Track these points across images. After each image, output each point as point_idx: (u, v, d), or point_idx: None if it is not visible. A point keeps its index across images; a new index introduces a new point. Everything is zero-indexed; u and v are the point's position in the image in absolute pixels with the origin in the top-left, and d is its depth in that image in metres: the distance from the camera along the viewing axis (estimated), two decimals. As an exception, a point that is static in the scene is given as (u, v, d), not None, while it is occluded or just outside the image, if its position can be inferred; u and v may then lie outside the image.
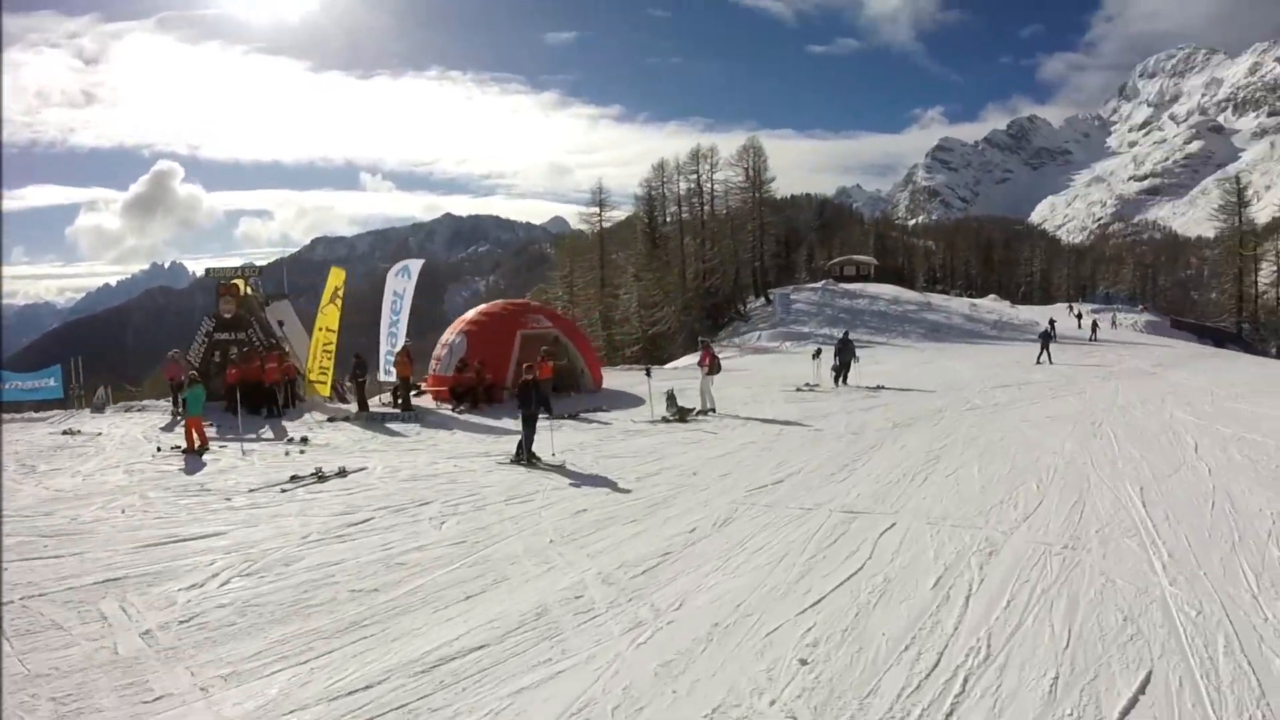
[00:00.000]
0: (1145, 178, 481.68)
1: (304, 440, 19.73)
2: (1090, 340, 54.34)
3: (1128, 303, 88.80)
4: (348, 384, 26.48)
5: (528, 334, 27.89)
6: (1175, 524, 10.32)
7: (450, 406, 25.37)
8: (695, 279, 76.66)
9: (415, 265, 28.36)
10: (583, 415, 22.91)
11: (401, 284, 27.87)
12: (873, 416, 21.01)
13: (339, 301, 26.97)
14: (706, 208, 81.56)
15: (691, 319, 72.03)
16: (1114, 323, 64.46)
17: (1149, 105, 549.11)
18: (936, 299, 75.61)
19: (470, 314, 30.18)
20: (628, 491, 13.38)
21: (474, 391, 25.66)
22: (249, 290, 28.25)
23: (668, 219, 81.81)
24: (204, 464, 16.75)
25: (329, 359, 26.13)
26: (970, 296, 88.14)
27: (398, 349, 25.86)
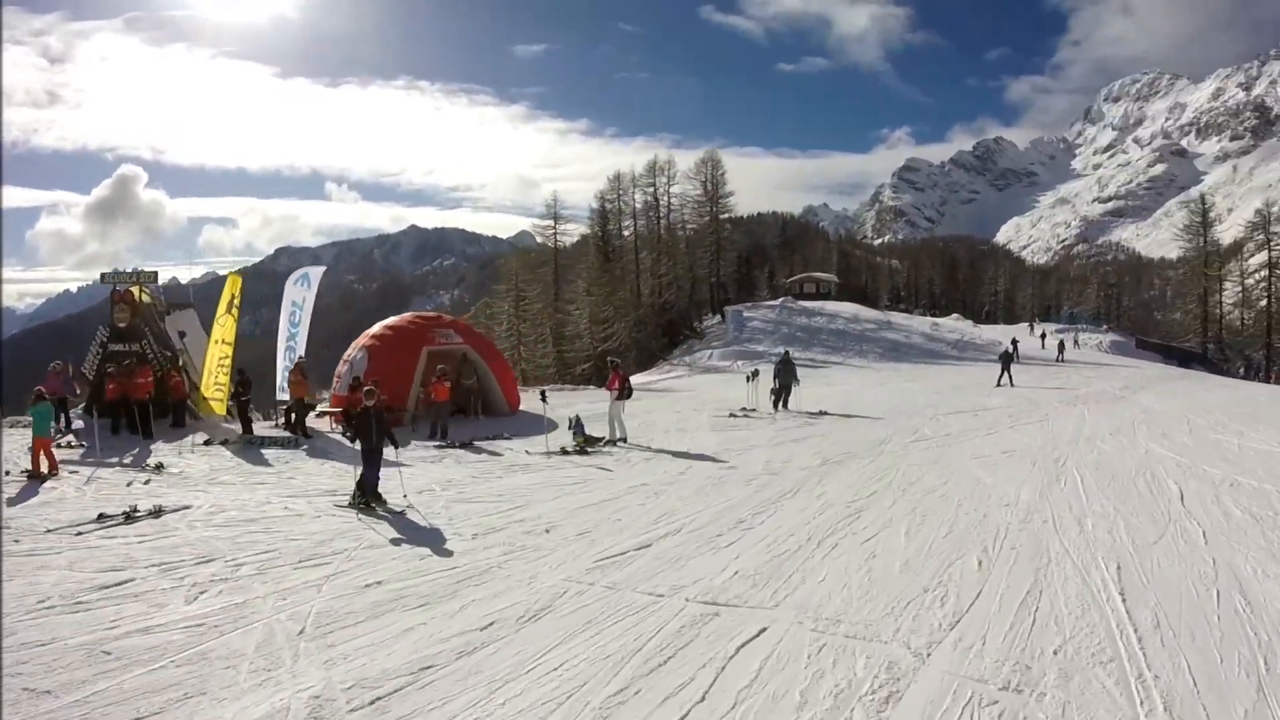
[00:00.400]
0: (1109, 200, 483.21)
1: (158, 468, 17.09)
2: (1056, 361, 51.86)
3: (1092, 322, 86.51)
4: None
5: (434, 350, 24.92)
6: (1169, 636, 7.07)
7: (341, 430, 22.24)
8: (651, 295, 73.79)
9: (315, 273, 26.00)
10: (476, 443, 19.89)
11: (300, 293, 25.21)
12: (802, 450, 17.90)
13: (235, 312, 23.97)
14: (663, 221, 78.73)
15: (645, 336, 69.05)
16: (1076, 342, 61.58)
17: (1113, 129, 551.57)
18: (897, 318, 72.90)
19: (376, 328, 27.03)
20: (450, 554, 10.33)
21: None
22: (146, 298, 25.36)
23: (623, 233, 78.61)
24: (37, 493, 14.53)
25: (225, 375, 23.02)
26: (933, 315, 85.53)
27: (291, 364, 23.27)
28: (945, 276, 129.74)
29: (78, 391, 22.90)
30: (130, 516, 12.63)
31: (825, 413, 25.00)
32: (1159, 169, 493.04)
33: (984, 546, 10.03)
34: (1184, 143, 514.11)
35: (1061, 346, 55.52)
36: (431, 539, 11.14)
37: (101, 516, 12.60)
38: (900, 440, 18.81)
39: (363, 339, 26.28)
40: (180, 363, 24.26)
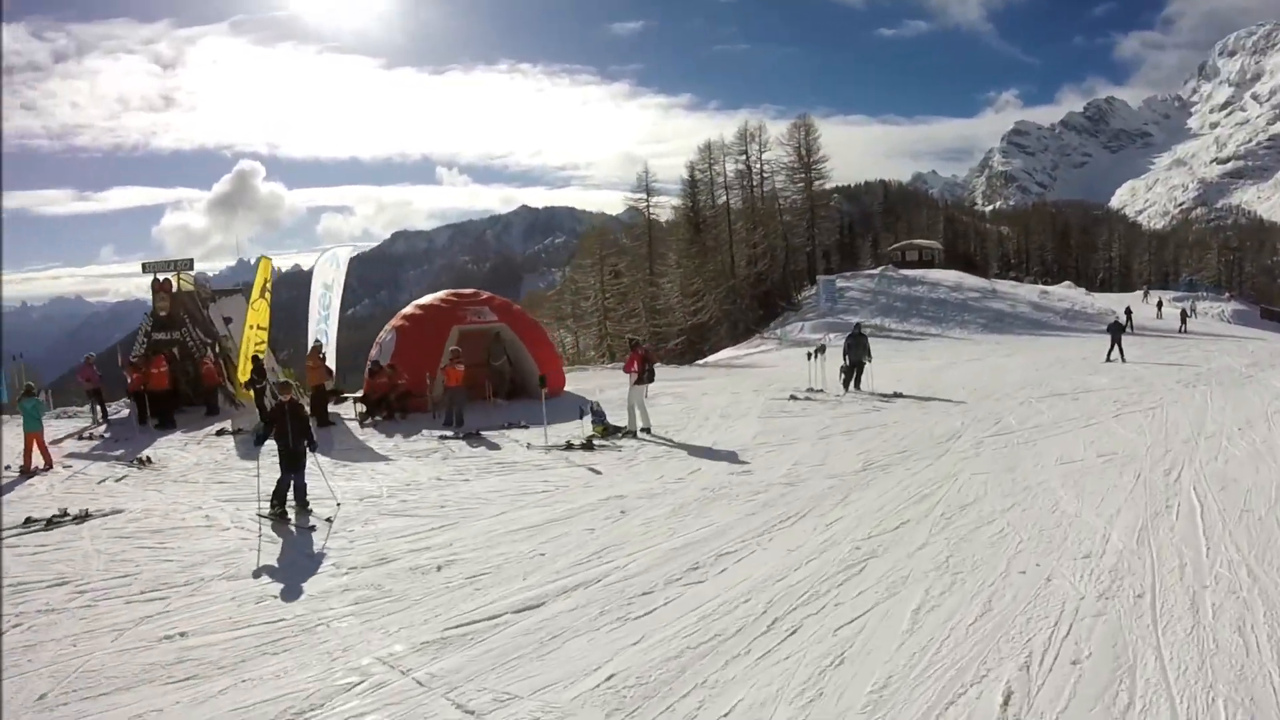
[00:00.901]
0: (1228, 160, 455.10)
1: (144, 462, 15.95)
2: (1179, 332, 47.47)
3: (1213, 290, 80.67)
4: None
5: (467, 329, 23.11)
6: None
7: (364, 417, 20.54)
8: (746, 266, 70.92)
9: (344, 254, 24.34)
10: (486, 433, 17.82)
11: (331, 273, 23.33)
12: (846, 448, 14.99)
13: (268, 295, 22.46)
14: (757, 190, 75.53)
15: (737, 308, 66.27)
16: (1194, 311, 56.36)
17: (1230, 85, 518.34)
18: (1003, 285, 68.40)
19: (409, 307, 25.47)
20: (295, 599, 8.19)
21: (386, 400, 20.76)
22: (187, 285, 24.79)
23: (715, 203, 75.61)
24: (13, 489, 14.04)
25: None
26: (1043, 283, 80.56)
27: (327, 350, 21.76)
28: (1057, 243, 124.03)
29: (129, 380, 21.79)
30: (53, 522, 11.51)
31: (900, 394, 22.05)
32: (1279, 127, 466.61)
33: (1029, 652, 6.18)
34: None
35: (1184, 316, 50.81)
36: (297, 572, 8.98)
37: (28, 521, 11.52)
38: (974, 434, 15.72)
39: (396, 319, 24.76)
40: (219, 350, 23.80)
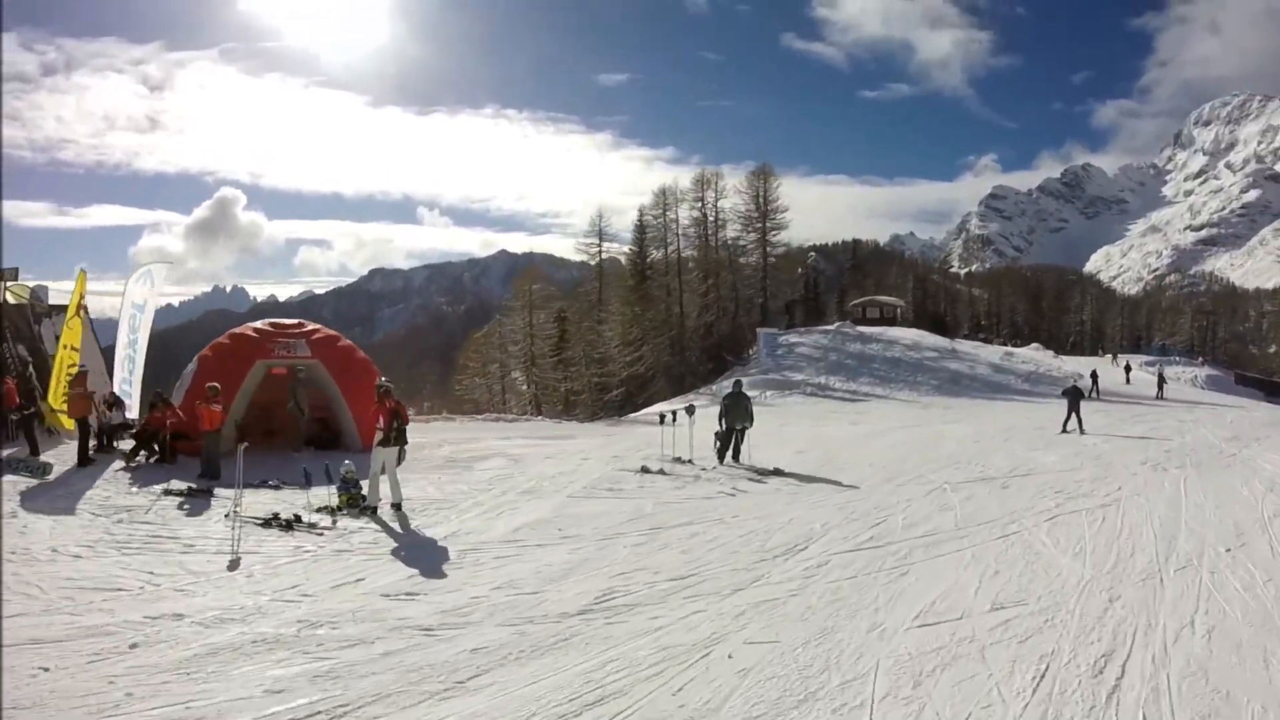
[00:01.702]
0: (1202, 228, 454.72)
1: None
2: (1156, 398, 42.72)
3: (1185, 355, 76.12)
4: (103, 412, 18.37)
5: (273, 364, 19.49)
6: None
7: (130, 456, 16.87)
8: (698, 315, 66.11)
9: (160, 271, 22.84)
10: (219, 491, 13.97)
11: (143, 293, 21.50)
12: (618, 560, 10.11)
13: (84, 314, 19.69)
14: (711, 239, 70.64)
15: (677, 360, 61.37)
16: (1162, 376, 50.77)
17: (1204, 153, 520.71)
18: (965, 346, 63.22)
19: (223, 336, 21.14)
20: None
21: (158, 438, 17.17)
22: (11, 298, 21.02)
23: (668, 250, 70.62)
24: None
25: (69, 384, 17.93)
26: (1010, 345, 75.58)
27: (133, 376, 20.64)
28: (1029, 305, 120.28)
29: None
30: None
31: (780, 471, 17.02)
32: (1253, 195, 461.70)
33: None
34: (1278, 167, 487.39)
35: (1162, 381, 45.70)
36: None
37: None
38: (825, 548, 10.54)
39: (206, 348, 20.55)
40: (27, 371, 20.10)
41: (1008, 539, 10.73)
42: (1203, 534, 10.83)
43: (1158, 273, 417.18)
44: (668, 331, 61.21)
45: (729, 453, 18.31)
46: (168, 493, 13.79)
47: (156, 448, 17.10)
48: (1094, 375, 43.33)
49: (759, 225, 70.14)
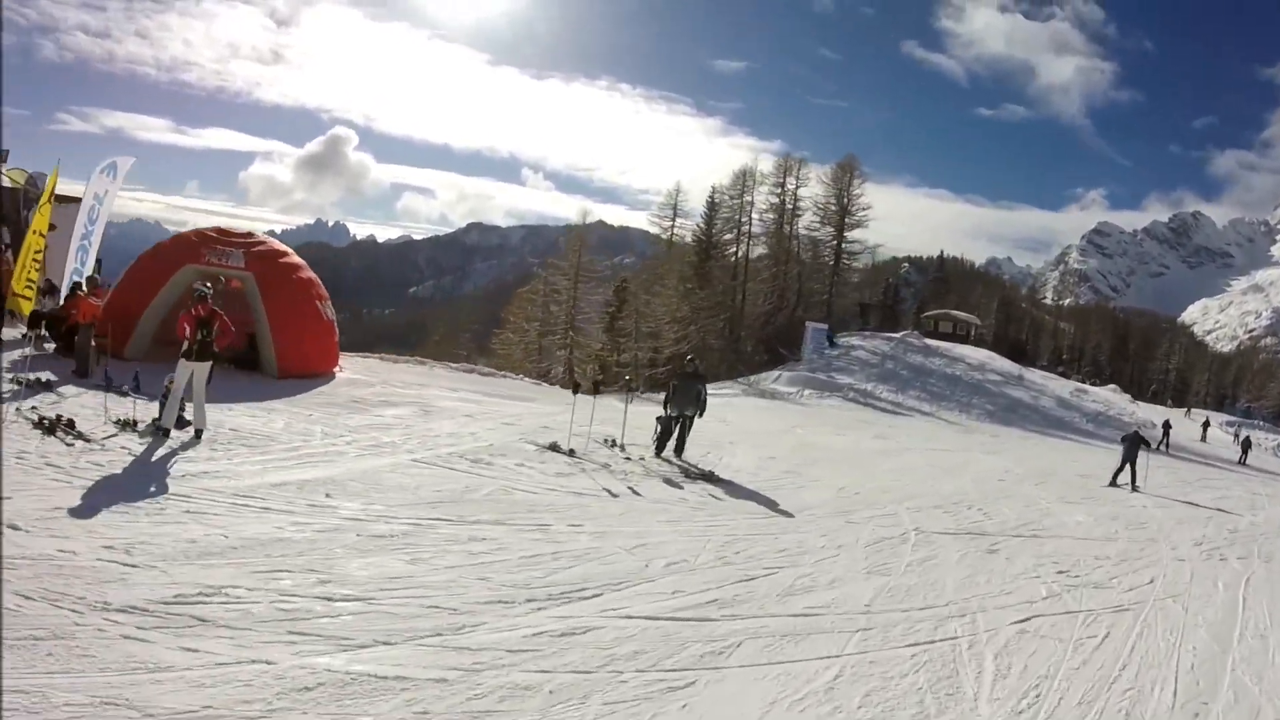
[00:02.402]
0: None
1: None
2: (1239, 464, 37.43)
3: (1270, 421, 69.86)
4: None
5: (204, 270, 17.25)
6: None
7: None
8: (762, 302, 62.12)
9: (124, 164, 20.76)
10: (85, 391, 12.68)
11: (105, 184, 19.87)
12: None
13: (53, 203, 16.86)
14: (788, 228, 66.31)
15: (734, 346, 57.48)
16: (1248, 440, 44.89)
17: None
18: (1034, 375, 58.07)
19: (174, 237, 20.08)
20: None
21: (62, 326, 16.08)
22: (7, 180, 20.48)
23: (740, 232, 66.46)
24: None
25: (36, 270, 16.60)
26: (1087, 382, 69.93)
27: (84, 267, 19.01)
28: (1115, 345, 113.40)
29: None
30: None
31: (713, 477, 13.66)
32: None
33: None
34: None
35: (1246, 446, 40.29)
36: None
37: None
38: (623, 604, 6.94)
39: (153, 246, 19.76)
40: (4, 254, 19.35)
41: (919, 655, 6.72)
42: (1257, 692, 6.83)
43: (1254, 333, 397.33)
44: (721, 314, 57.23)
45: (670, 443, 14.79)
46: (16, 381, 11.89)
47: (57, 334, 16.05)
48: (1166, 426, 38.54)
49: (837, 220, 65.66)
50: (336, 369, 19.61)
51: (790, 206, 65.61)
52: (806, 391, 40.42)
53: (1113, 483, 20.83)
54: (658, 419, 14.97)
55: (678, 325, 55.26)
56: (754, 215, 65.71)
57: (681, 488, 12.32)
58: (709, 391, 15.81)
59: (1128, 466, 21.15)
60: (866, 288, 79.22)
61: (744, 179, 65.63)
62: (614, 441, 14.87)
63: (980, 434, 34.12)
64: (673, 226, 65.89)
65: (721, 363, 54.25)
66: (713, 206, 63.86)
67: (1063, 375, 69.83)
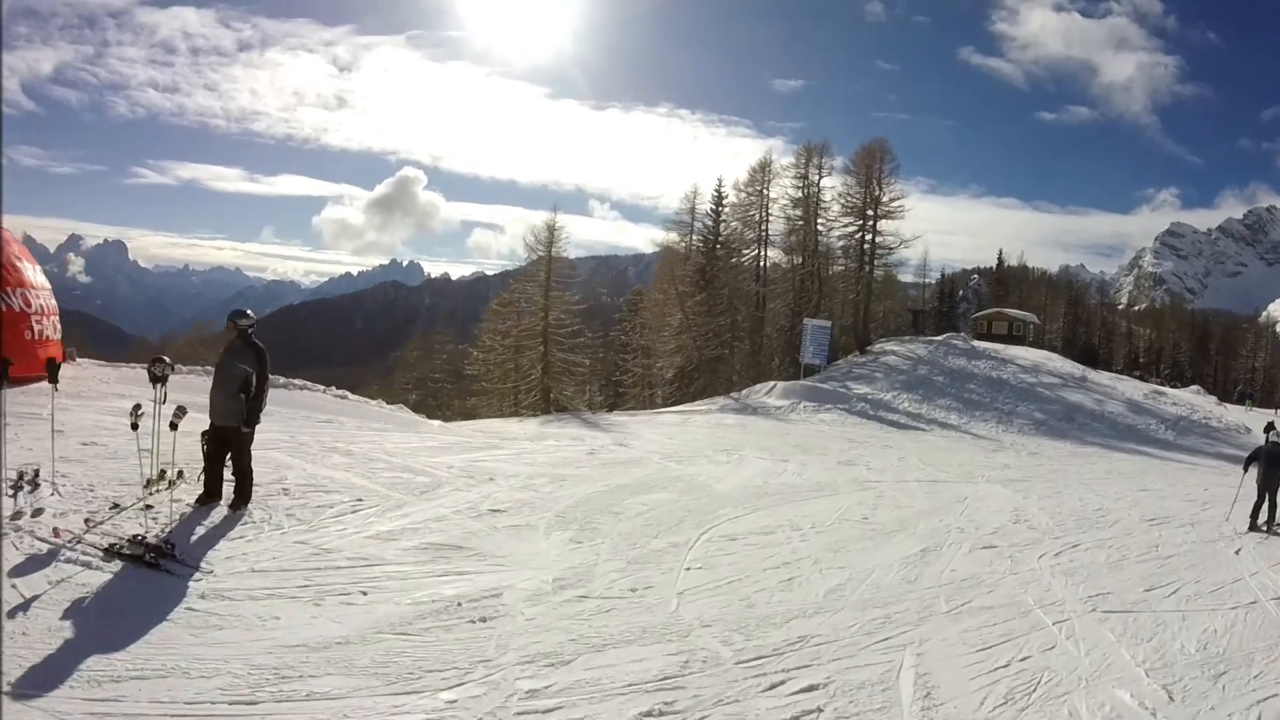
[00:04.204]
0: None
1: None
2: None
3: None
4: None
5: None
6: None
7: None
8: (784, 306, 53.03)
9: None
10: None
11: None
12: None
13: None
14: (811, 224, 56.37)
15: (751, 355, 48.49)
16: None
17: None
18: (1101, 377, 47.62)
19: None
20: None
21: None
22: None
23: (760, 230, 56.60)
24: None
25: None
26: (1165, 384, 58.89)
27: None
28: (1194, 346, 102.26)
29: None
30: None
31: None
32: None
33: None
34: None
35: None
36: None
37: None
38: None
39: None
40: None
41: None
42: None
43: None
44: (723, 320, 48.11)
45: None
46: None
47: None
48: (1269, 429, 28.53)
49: (870, 212, 55.56)
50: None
51: (814, 200, 55.89)
52: (803, 404, 31.21)
53: (1254, 524, 12.90)
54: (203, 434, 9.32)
55: (669, 335, 46.57)
56: (774, 212, 56.10)
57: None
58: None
59: (1267, 498, 13.19)
60: (899, 287, 69.99)
61: (762, 172, 56.14)
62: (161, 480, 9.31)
63: (1014, 452, 24.55)
64: (691, 233, 56.43)
65: (741, 376, 45.28)
66: (719, 200, 54.25)
67: (1139, 379, 58.95)
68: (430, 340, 62.27)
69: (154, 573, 7.09)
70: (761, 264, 55.57)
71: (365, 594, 7.40)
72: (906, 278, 69.80)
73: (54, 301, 17.04)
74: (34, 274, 16.61)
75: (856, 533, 11.39)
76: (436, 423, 23.25)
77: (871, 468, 17.86)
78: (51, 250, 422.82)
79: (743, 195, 56.03)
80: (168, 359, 9.78)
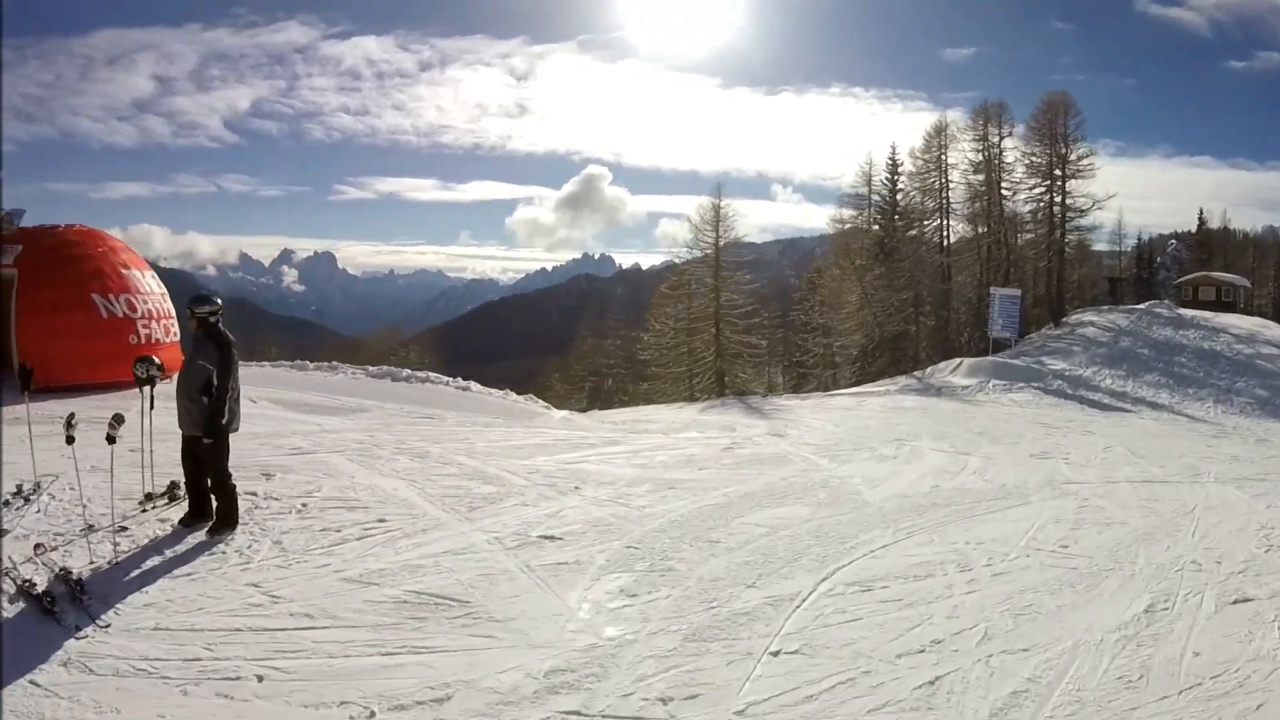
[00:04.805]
0: None
1: None
2: None
3: None
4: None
5: None
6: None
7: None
8: (969, 278, 50.54)
9: None
10: None
11: None
12: None
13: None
14: (996, 190, 52.75)
15: (939, 330, 46.08)
16: None
17: None
18: (1330, 342, 43.00)
19: None
20: None
21: None
22: None
23: (941, 198, 53.37)
24: None
25: None
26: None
27: None
28: None
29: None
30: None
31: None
32: None
33: None
34: None
35: None
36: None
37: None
38: None
39: None
40: None
41: None
42: None
43: None
44: (907, 297, 45.68)
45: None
46: None
47: None
48: None
49: (1057, 173, 51.58)
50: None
51: (996, 163, 52.37)
52: (992, 383, 28.91)
53: None
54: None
55: (848, 313, 44.52)
56: (954, 178, 52.87)
57: None
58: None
59: None
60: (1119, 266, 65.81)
61: (939, 137, 52.97)
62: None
63: (1236, 439, 21.57)
64: (869, 206, 53.70)
65: (927, 353, 43.02)
66: (894, 168, 51.42)
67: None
68: (604, 327, 61.86)
69: (44, 620, 6.09)
70: (944, 233, 52.67)
71: (261, 679, 5.65)
72: (1100, 246, 64.89)
73: (168, 305, 17.80)
74: (143, 279, 17.54)
75: (1050, 575, 8.54)
76: (563, 413, 21.93)
77: (1071, 462, 15.75)
78: (267, 264, 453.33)
79: (919, 163, 53.11)
80: (156, 358, 8.72)
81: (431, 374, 22.71)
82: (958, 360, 34.01)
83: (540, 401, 23.10)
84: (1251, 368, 33.86)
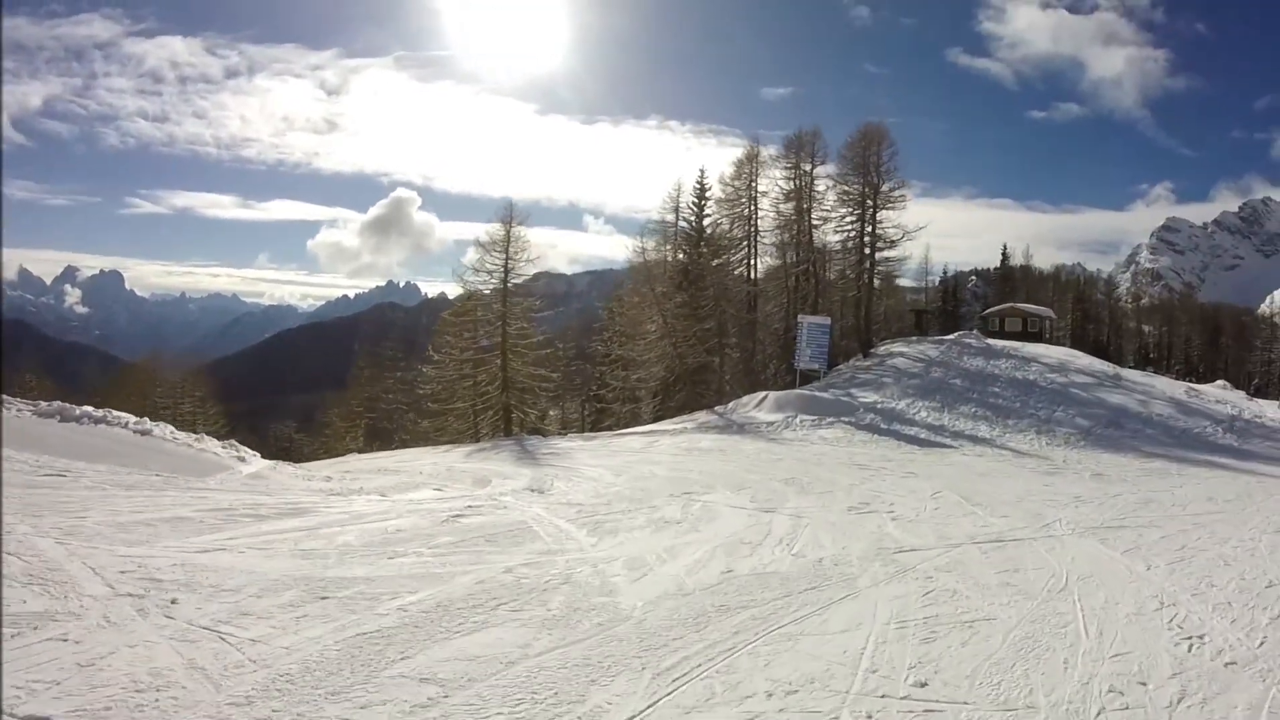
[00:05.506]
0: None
1: None
2: None
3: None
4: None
5: None
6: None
7: None
8: (776, 308, 48.38)
9: None
10: None
11: None
12: None
13: None
14: (806, 219, 50.16)
15: (743, 366, 42.74)
16: None
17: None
18: (1134, 375, 41.82)
19: None
20: None
21: None
22: None
23: (749, 226, 50.34)
24: None
25: None
26: (1176, 379, 52.84)
27: None
28: (1205, 340, 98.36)
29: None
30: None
31: None
32: None
33: None
34: None
35: None
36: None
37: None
38: None
39: None
40: None
41: None
42: None
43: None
44: (711, 327, 42.34)
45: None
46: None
47: None
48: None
49: (869, 203, 49.22)
50: None
51: (807, 191, 49.86)
52: (800, 418, 25.40)
53: None
54: None
55: (646, 343, 40.81)
56: (764, 206, 49.99)
57: None
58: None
59: None
60: (925, 300, 66.16)
61: (750, 164, 50.02)
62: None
63: (1070, 474, 18.42)
64: (675, 233, 50.04)
65: (734, 386, 39.56)
66: (701, 193, 47.96)
67: (1175, 376, 53.08)
68: (380, 359, 56.04)
69: None
70: (752, 262, 49.81)
71: None
72: (905, 282, 64.20)
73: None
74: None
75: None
76: (261, 465, 16.48)
77: (898, 517, 11.85)
78: (48, 282, 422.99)
79: (729, 189, 50.08)
80: None
81: (112, 412, 17.36)
82: (763, 394, 30.43)
83: (241, 450, 17.78)
84: (1067, 396, 31.70)
